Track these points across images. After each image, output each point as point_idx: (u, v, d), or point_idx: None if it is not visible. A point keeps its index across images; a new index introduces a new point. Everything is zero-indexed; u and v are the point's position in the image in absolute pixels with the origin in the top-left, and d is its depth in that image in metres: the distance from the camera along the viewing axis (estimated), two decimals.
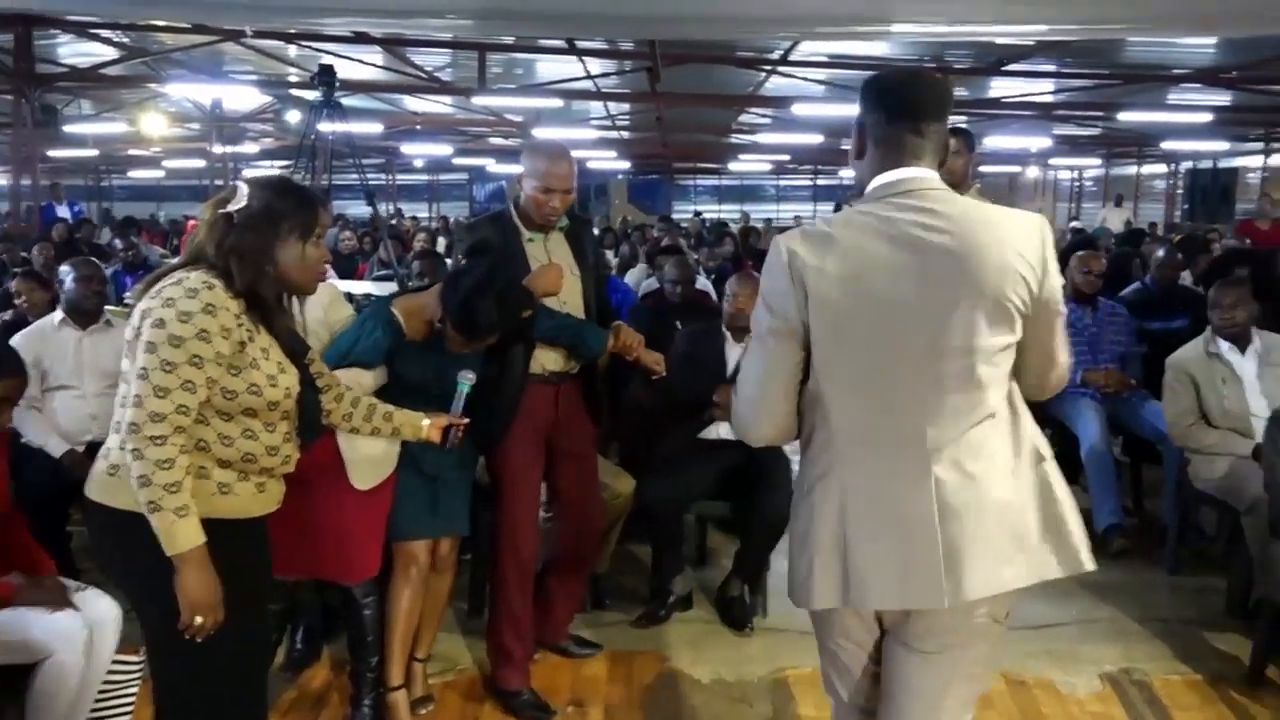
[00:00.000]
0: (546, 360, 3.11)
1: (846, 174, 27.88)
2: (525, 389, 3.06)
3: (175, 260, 2.14)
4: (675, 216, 22.64)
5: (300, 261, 2.07)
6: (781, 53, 10.54)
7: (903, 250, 1.67)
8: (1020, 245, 1.69)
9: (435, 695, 3.17)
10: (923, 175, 1.74)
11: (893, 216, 1.70)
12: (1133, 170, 22.54)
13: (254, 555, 2.14)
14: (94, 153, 18.77)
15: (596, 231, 12.98)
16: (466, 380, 2.70)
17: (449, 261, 4.91)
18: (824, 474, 1.74)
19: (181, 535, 1.89)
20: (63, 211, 12.73)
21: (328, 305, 2.98)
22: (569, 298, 3.11)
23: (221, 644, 2.01)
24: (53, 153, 17.91)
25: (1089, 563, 1.76)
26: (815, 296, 1.68)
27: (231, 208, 2.01)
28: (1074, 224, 17.41)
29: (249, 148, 19.11)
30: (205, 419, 1.98)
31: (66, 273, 3.83)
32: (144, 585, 2.01)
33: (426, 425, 2.58)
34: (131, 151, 19.54)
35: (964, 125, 4.68)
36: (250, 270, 2.00)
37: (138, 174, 24.69)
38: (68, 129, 14.22)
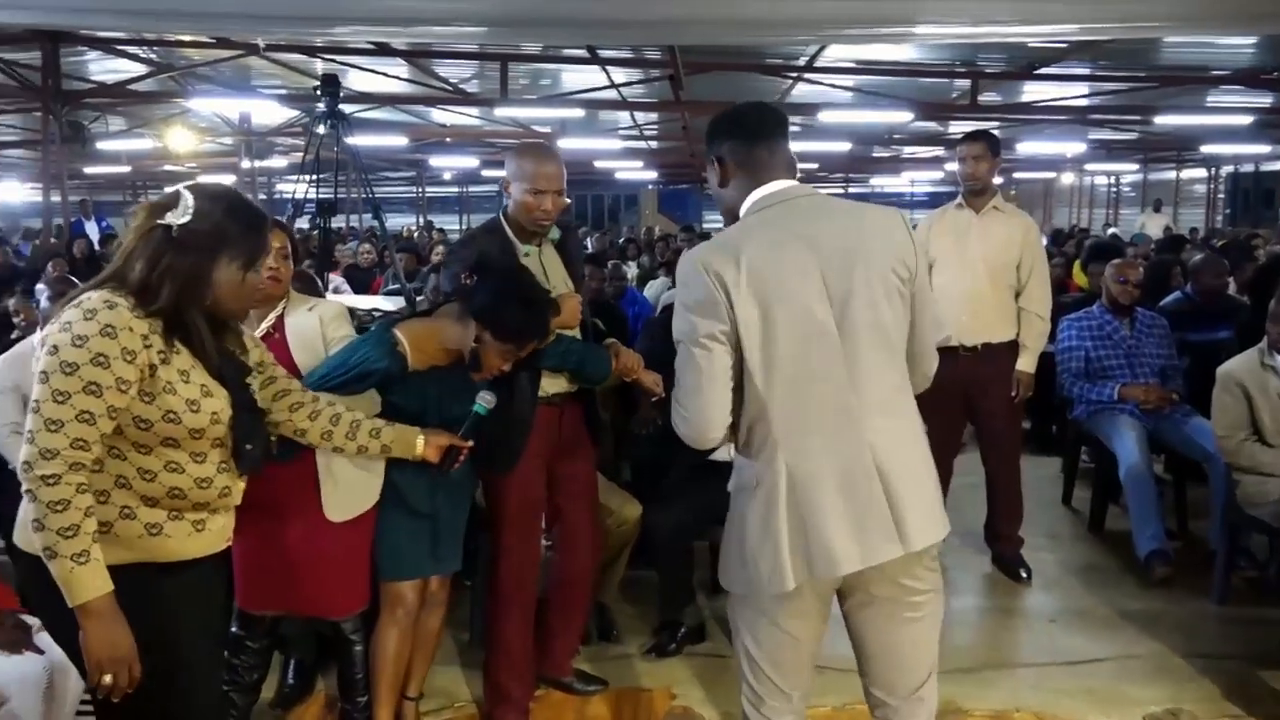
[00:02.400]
0: (550, 384, 2.95)
1: (878, 182, 27.76)
2: (535, 415, 2.89)
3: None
4: (707, 226, 22.49)
5: (238, 289, 1.88)
6: (807, 59, 10.36)
7: (802, 249, 1.87)
8: (893, 233, 1.94)
9: None
10: (793, 185, 1.96)
11: (783, 222, 1.91)
12: (1172, 175, 22.06)
13: (200, 599, 1.95)
14: (127, 169, 18.92)
15: (621, 240, 12.90)
16: (484, 402, 2.50)
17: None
18: (769, 463, 1.89)
19: (80, 585, 1.71)
20: (90, 227, 12.74)
21: (329, 320, 2.78)
22: None
23: (166, 694, 1.85)
24: (87, 169, 18.13)
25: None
26: (738, 302, 1.84)
27: (171, 219, 1.81)
28: (1111, 231, 17.01)
29: (278, 161, 19.18)
30: (122, 453, 1.80)
31: (41, 291, 3.70)
32: (71, 635, 1.84)
33: (421, 443, 2.40)
34: (166, 167, 19.67)
35: (993, 130, 4.49)
36: (180, 293, 1.80)
37: (191, 184, 24.83)
38: (101, 145, 14.33)
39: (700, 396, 1.90)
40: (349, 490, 2.65)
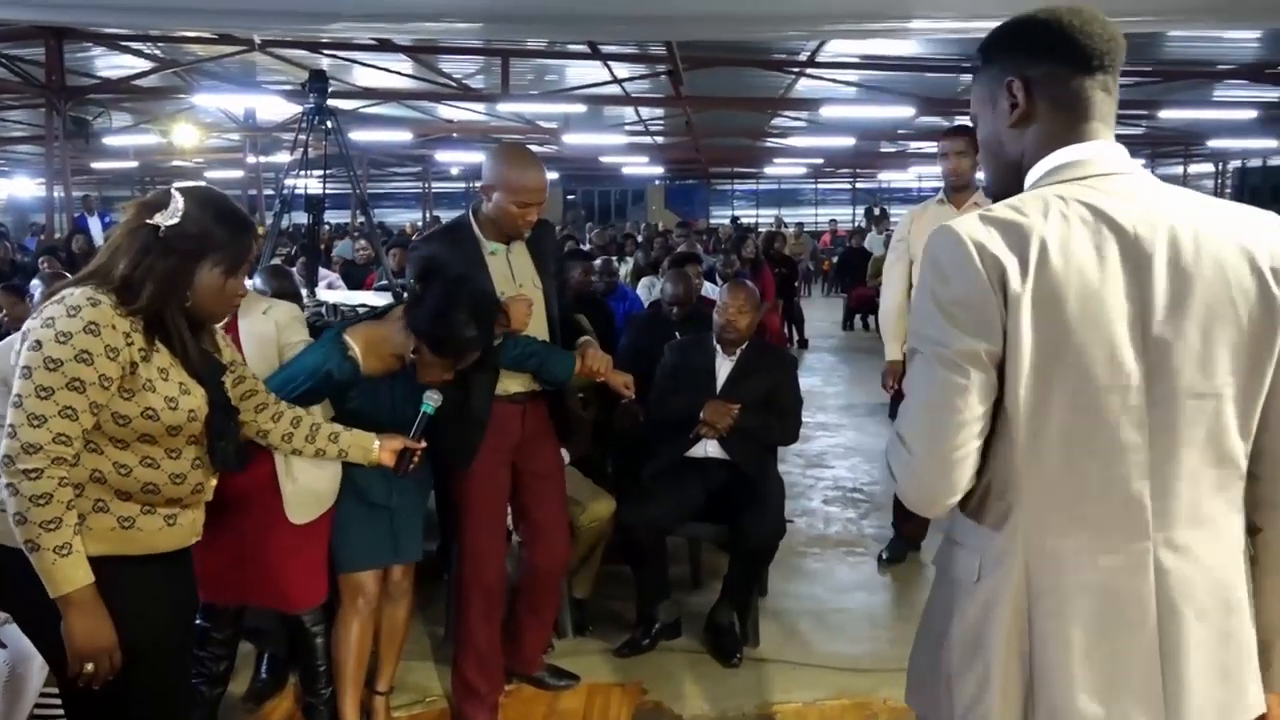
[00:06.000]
0: (512, 382, 2.94)
1: (885, 177, 27.43)
2: (491, 413, 2.89)
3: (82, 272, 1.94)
4: (714, 222, 22.50)
5: (218, 294, 1.90)
6: (809, 54, 10.34)
7: (1120, 257, 1.23)
8: (1269, 252, 1.27)
9: None
10: (1120, 155, 1.32)
11: (1103, 210, 1.25)
12: (1179, 170, 21.94)
13: (169, 593, 1.96)
14: (135, 165, 19.00)
15: (620, 237, 12.90)
16: (431, 402, 2.49)
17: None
18: (1003, 556, 1.29)
19: (62, 576, 1.73)
20: (94, 223, 12.80)
21: (284, 325, 2.76)
22: (533, 313, 2.92)
23: (134, 686, 1.86)
24: (95, 165, 18.22)
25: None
26: (1016, 311, 1.22)
27: (160, 219, 1.82)
28: None
29: (284, 157, 19.23)
30: (99, 448, 1.81)
31: (35, 286, 3.73)
32: (44, 627, 1.85)
33: (377, 448, 2.39)
34: (175, 163, 19.74)
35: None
36: (162, 295, 1.82)
37: (182, 186, 24.89)
38: (109, 141, 14.40)
39: (944, 444, 1.26)
40: (308, 489, 2.66)
